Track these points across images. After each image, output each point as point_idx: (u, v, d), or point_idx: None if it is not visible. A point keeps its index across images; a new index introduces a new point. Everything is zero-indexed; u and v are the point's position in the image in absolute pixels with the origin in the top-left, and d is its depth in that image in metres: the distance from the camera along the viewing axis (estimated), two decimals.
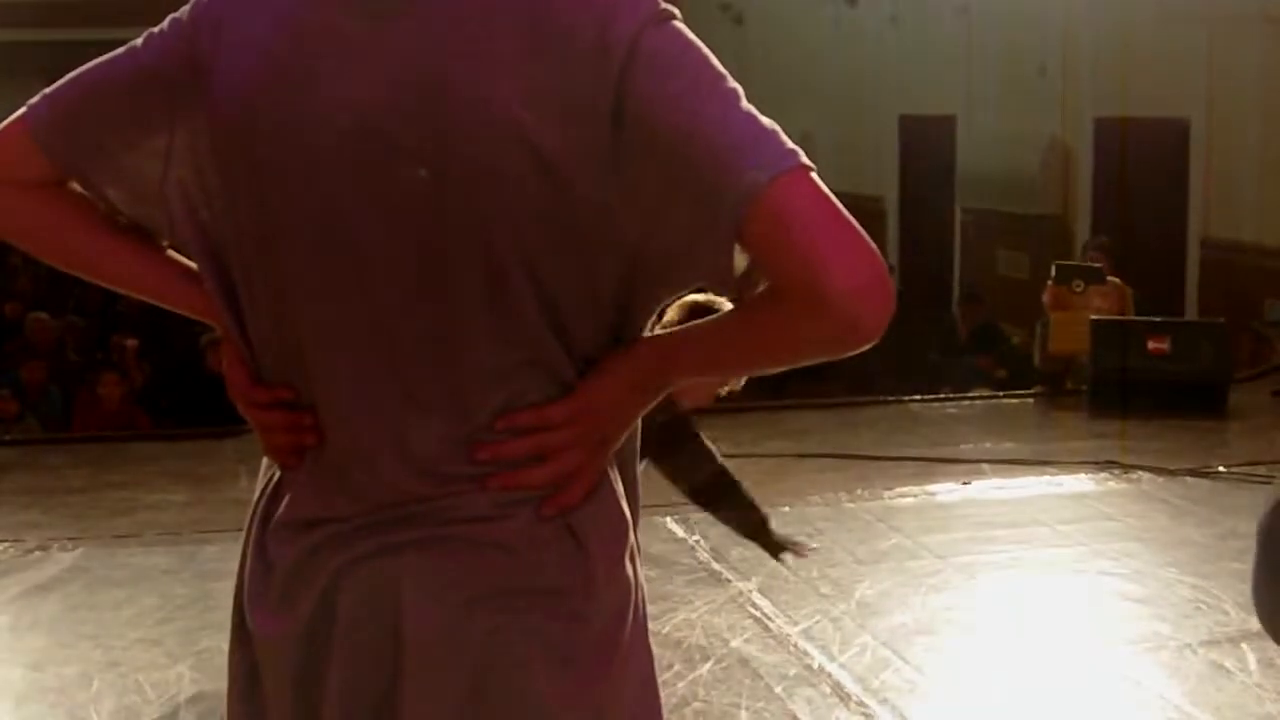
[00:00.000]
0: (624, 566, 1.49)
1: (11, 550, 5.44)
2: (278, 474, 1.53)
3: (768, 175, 1.30)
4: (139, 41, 1.50)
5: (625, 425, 1.49)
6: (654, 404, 1.50)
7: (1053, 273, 9.03)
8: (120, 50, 1.51)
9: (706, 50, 1.38)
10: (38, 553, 5.40)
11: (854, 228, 1.32)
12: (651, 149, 1.34)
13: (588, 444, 1.45)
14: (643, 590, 1.53)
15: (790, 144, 1.34)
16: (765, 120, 1.35)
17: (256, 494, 1.55)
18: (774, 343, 1.39)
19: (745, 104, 1.35)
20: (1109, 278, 8.94)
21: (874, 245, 1.32)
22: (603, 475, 1.48)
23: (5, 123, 1.52)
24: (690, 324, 1.47)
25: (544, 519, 1.44)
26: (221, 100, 1.43)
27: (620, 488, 1.52)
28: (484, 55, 1.37)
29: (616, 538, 1.49)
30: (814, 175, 1.33)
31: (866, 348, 1.35)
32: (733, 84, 1.36)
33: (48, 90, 1.52)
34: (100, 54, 1.54)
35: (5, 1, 17.30)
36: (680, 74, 1.35)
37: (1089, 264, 9.16)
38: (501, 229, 1.38)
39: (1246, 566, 5.06)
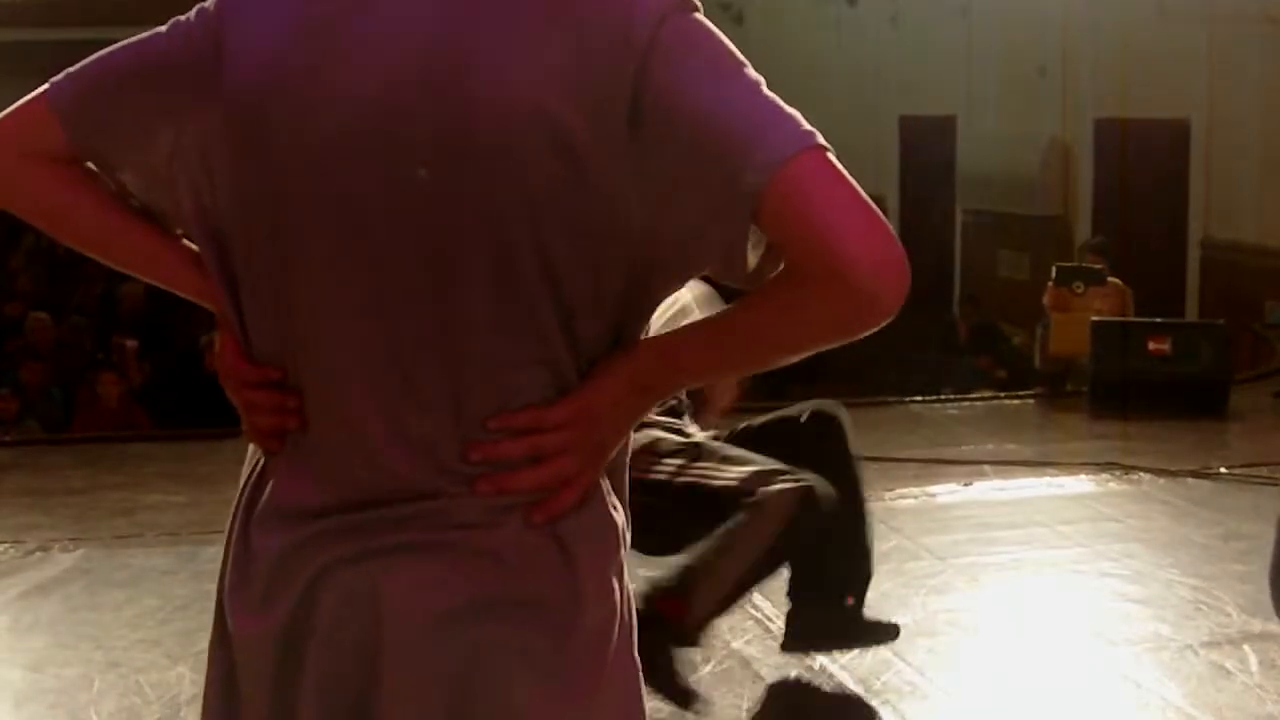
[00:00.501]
0: (611, 579, 1.47)
1: (12, 551, 5.44)
2: (262, 461, 1.52)
3: (785, 154, 1.31)
4: (164, 28, 1.50)
5: (623, 430, 1.48)
6: (655, 407, 1.50)
7: (1053, 274, 9.04)
8: (146, 34, 1.50)
9: (728, 41, 1.39)
10: (38, 554, 5.40)
11: (870, 207, 1.32)
12: (669, 136, 1.34)
13: (584, 449, 1.43)
14: (630, 602, 1.51)
15: (808, 126, 1.34)
16: (786, 106, 1.36)
17: (242, 481, 1.54)
18: (791, 326, 1.38)
19: (765, 90, 1.36)
20: (1109, 278, 8.94)
21: (889, 225, 1.32)
22: (595, 484, 1.46)
23: (28, 97, 1.52)
24: (689, 323, 1.46)
25: (532, 526, 1.42)
26: (237, 88, 1.42)
27: (614, 499, 1.50)
28: (503, 39, 1.37)
29: (606, 550, 1.47)
30: (831, 156, 1.33)
31: (882, 325, 1.35)
32: (754, 74, 1.37)
33: (72, 69, 1.51)
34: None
35: (6, 1, 17.30)
36: (700, 63, 1.36)
37: (1089, 266, 9.16)
38: (516, 212, 1.37)
39: (1248, 568, 5.05)
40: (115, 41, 1.53)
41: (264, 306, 1.46)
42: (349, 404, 1.43)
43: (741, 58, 1.38)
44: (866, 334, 1.37)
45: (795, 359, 1.43)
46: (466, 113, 1.35)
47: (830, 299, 1.33)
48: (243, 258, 1.46)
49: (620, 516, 1.50)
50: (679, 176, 1.35)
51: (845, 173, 1.33)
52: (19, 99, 1.55)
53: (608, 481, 1.49)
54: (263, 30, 1.42)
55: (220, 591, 1.52)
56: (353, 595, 1.42)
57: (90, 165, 1.52)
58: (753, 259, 1.36)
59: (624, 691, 1.50)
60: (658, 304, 1.48)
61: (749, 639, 4.30)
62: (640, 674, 1.52)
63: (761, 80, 1.37)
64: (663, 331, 1.49)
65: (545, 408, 1.41)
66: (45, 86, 1.50)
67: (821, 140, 1.33)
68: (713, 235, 1.37)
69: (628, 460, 1.56)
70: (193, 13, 1.48)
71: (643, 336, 1.48)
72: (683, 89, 1.34)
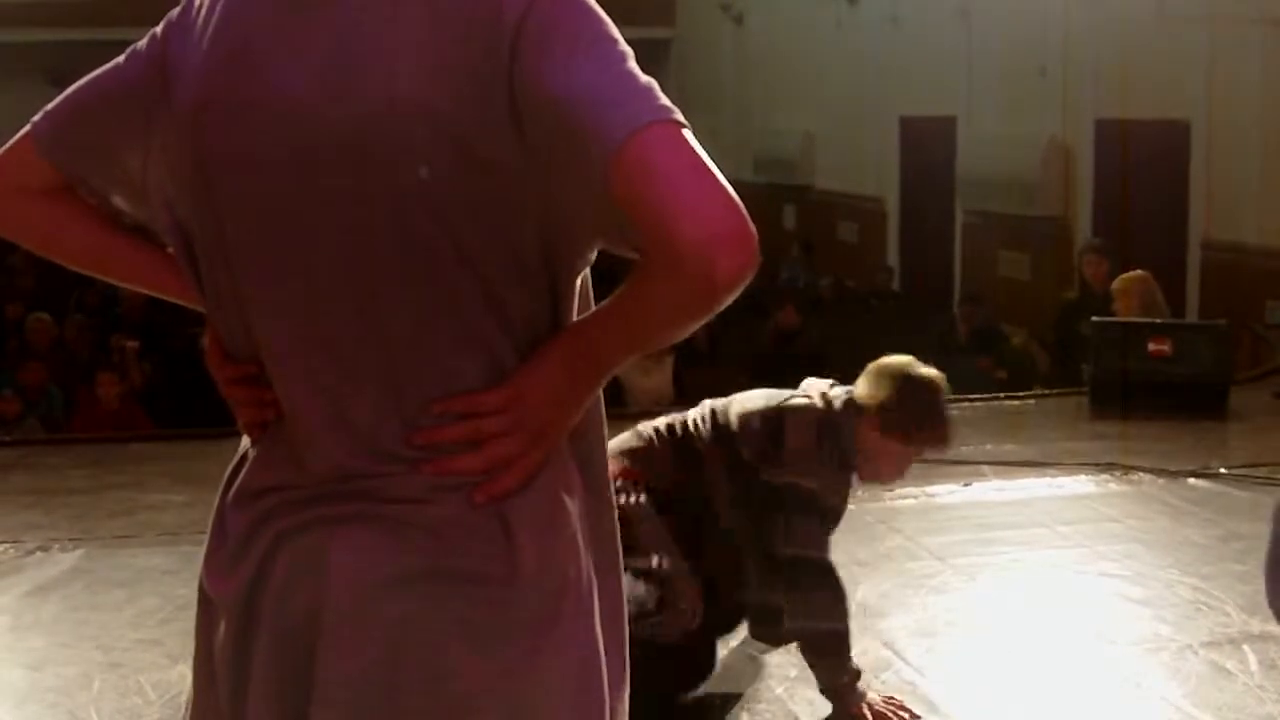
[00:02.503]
0: (559, 557, 1.51)
1: (12, 551, 5.45)
2: (247, 449, 1.61)
3: (628, 130, 1.32)
4: (123, 57, 1.61)
5: (566, 415, 1.51)
6: (597, 392, 1.53)
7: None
8: (108, 65, 1.62)
9: (598, 13, 1.42)
10: (38, 553, 5.41)
11: (713, 179, 1.32)
12: (538, 115, 1.38)
13: (525, 433, 1.47)
14: (591, 582, 1.55)
15: (663, 100, 1.36)
16: (642, 79, 1.37)
17: (229, 469, 1.62)
18: (648, 305, 1.40)
19: (628, 65, 1.38)
20: (1125, 274, 8.84)
21: (736, 198, 1.32)
22: (542, 467, 1.50)
23: (13, 140, 1.64)
24: (599, 306, 1.48)
25: (475, 506, 1.47)
26: (179, 102, 1.52)
27: (569, 478, 1.54)
28: (391, 35, 1.43)
29: (550, 528, 1.51)
30: (684, 131, 1.35)
31: (726, 303, 1.35)
32: (620, 47, 1.40)
33: (49, 107, 1.63)
34: (106, 54, 1.66)
35: (6, 1, 17.31)
36: (563, 41, 1.39)
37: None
38: (418, 205, 1.42)
39: (1247, 568, 5.04)
40: (116, 42, 1.60)
41: (224, 307, 1.55)
42: (294, 394, 1.51)
43: (608, 31, 1.40)
44: (713, 311, 1.36)
45: (673, 337, 1.44)
46: (361, 115, 1.42)
47: (668, 273, 1.33)
48: (203, 259, 1.55)
49: (573, 498, 1.54)
50: (551, 153, 1.39)
51: (692, 145, 1.34)
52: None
53: (572, 465, 1.54)
54: (195, 52, 1.51)
55: (201, 566, 1.61)
56: (303, 559, 1.49)
57: (82, 193, 1.63)
58: None
59: (574, 667, 1.52)
60: (576, 272, 1.52)
61: (749, 639, 4.30)
62: (598, 652, 1.54)
63: (629, 54, 1.39)
64: None
65: (482, 392, 1.46)
66: (27, 127, 1.62)
67: (675, 116, 1.35)
68: (586, 211, 1.40)
69: (604, 440, 1.61)
70: (145, 39, 1.60)
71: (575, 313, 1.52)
72: (547, 68, 1.37)
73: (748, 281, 1.33)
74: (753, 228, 1.32)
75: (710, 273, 1.31)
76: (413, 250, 1.43)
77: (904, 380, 3.67)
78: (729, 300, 1.34)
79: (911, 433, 3.64)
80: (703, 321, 1.39)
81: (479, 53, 1.39)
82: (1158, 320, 8.46)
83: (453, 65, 1.40)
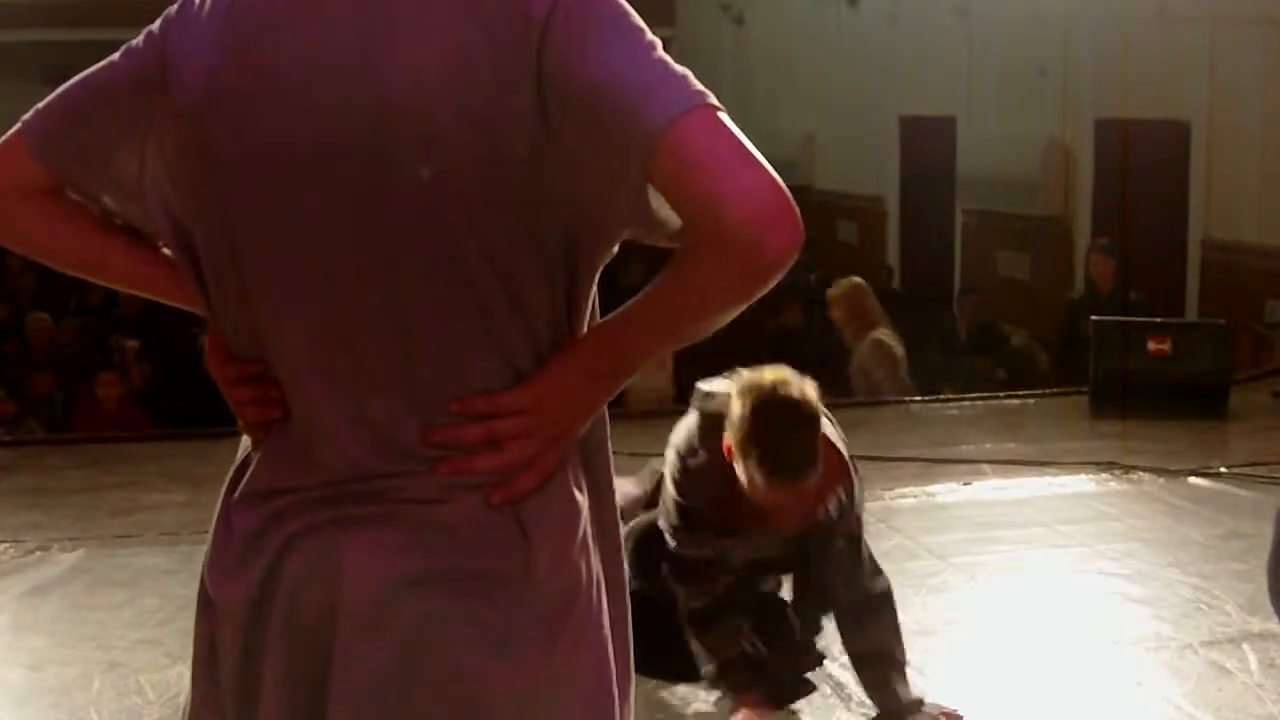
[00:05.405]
0: (572, 558, 1.52)
1: (12, 551, 5.45)
2: (250, 449, 1.59)
3: (670, 115, 1.33)
4: (117, 55, 1.58)
5: (582, 418, 1.52)
6: (616, 393, 1.53)
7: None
8: (102, 63, 1.59)
9: (625, 5, 1.43)
10: (38, 553, 5.40)
11: (754, 159, 1.34)
12: (570, 105, 1.38)
13: (542, 436, 1.47)
14: (600, 583, 1.55)
15: (698, 86, 1.37)
16: (676, 67, 1.38)
17: (231, 470, 1.60)
18: (695, 290, 1.40)
19: (658, 53, 1.39)
20: (849, 278, 8.89)
21: (779, 180, 1.34)
22: (558, 467, 1.50)
23: (3, 139, 1.60)
24: (625, 305, 1.48)
25: (491, 506, 1.47)
26: (182, 98, 1.49)
27: (580, 478, 1.54)
28: (413, 27, 1.41)
29: (564, 529, 1.51)
30: (720, 115, 1.36)
31: (773, 283, 1.36)
32: (649, 37, 1.41)
33: (39, 105, 1.60)
34: (99, 54, 1.62)
35: (5, 1, 17.31)
36: (593, 31, 1.39)
37: None
38: (444, 196, 1.41)
39: (1248, 567, 5.04)
40: (115, 42, 1.58)
41: (230, 305, 1.53)
42: (309, 392, 1.49)
43: (637, 23, 1.41)
44: (761, 289, 1.37)
45: (714, 324, 1.45)
46: (382, 107, 1.41)
47: (715, 255, 1.35)
48: (206, 261, 1.53)
49: (584, 499, 1.54)
50: (583, 143, 1.39)
51: (733, 129, 1.35)
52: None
53: (579, 465, 1.54)
54: (199, 46, 1.49)
55: (203, 568, 1.59)
56: (314, 562, 1.48)
57: (73, 194, 1.59)
58: (674, 219, 1.38)
59: (588, 668, 1.53)
60: (597, 267, 1.52)
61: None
62: (608, 652, 1.55)
63: (657, 43, 1.40)
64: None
65: (501, 393, 1.46)
66: (18, 126, 1.59)
67: (711, 99, 1.36)
68: (620, 199, 1.40)
69: (607, 442, 1.61)
70: (141, 35, 1.57)
71: (589, 307, 1.53)
72: (578, 58, 1.37)
73: (794, 260, 1.35)
74: (796, 208, 1.34)
75: (760, 251, 1.33)
76: (438, 245, 1.42)
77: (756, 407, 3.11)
78: (776, 279, 1.36)
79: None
80: (745, 305, 1.40)
81: (505, 45, 1.39)
82: (1159, 319, 8.47)
83: (477, 58, 1.39)
